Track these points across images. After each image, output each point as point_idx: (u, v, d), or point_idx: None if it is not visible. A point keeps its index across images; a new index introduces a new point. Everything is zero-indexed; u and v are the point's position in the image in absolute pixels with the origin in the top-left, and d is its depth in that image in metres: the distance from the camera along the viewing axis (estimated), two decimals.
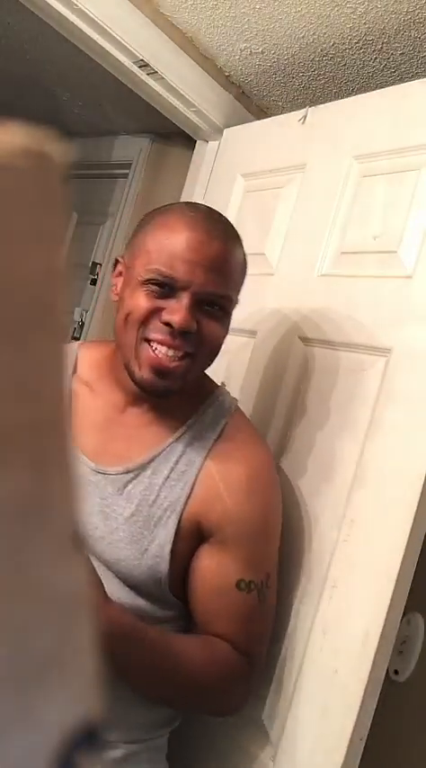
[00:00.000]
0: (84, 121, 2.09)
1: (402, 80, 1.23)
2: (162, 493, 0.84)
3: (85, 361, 0.96)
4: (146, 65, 1.31)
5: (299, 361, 1.09)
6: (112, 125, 2.06)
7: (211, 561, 0.83)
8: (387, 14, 1.08)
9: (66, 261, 0.17)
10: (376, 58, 1.21)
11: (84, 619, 0.17)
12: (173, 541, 0.82)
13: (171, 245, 0.78)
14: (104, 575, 0.82)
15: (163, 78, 1.34)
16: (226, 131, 1.47)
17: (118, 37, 1.25)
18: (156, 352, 0.79)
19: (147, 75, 1.34)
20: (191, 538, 0.84)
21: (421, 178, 0.99)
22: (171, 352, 0.79)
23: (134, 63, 1.31)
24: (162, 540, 0.82)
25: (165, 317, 0.78)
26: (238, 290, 0.86)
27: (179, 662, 0.78)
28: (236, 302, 0.86)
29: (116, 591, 0.82)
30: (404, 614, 0.88)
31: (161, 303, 0.79)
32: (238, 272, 0.84)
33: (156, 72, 1.33)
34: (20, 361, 0.15)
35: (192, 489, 0.84)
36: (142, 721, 0.87)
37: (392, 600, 0.84)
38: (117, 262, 0.90)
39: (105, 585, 0.76)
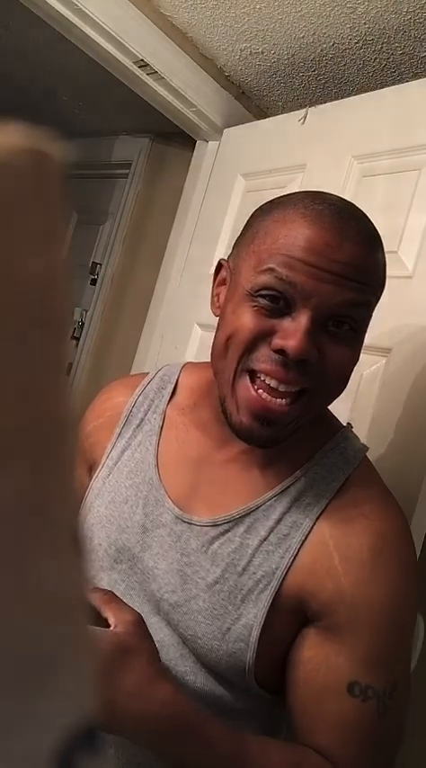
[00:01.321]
0: (84, 121, 2.09)
1: (402, 80, 1.23)
2: (255, 559, 0.65)
3: (186, 386, 0.79)
4: (146, 65, 1.31)
5: None
6: (112, 125, 2.06)
7: (318, 654, 0.63)
8: (387, 14, 1.09)
9: (66, 261, 0.17)
10: (376, 58, 1.21)
11: (83, 619, 0.17)
12: (264, 624, 0.63)
13: (289, 247, 0.60)
14: (180, 650, 0.67)
15: (163, 78, 1.34)
16: (226, 131, 1.47)
17: (118, 37, 1.25)
18: (260, 389, 0.61)
19: (147, 75, 1.34)
20: (291, 620, 0.65)
21: (421, 178, 0.99)
22: (282, 387, 0.60)
23: (134, 63, 1.31)
24: (249, 621, 0.64)
25: (278, 341, 0.59)
26: (375, 303, 0.65)
27: (264, 761, 0.58)
28: (370, 318, 0.67)
29: (190, 671, 0.67)
30: None
31: (274, 323, 0.60)
32: (376, 281, 0.64)
33: (156, 72, 1.33)
34: (20, 361, 0.15)
35: (296, 558, 0.64)
36: None
37: None
38: (220, 266, 0.72)
39: (180, 663, 0.65)
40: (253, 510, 0.67)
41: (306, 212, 0.61)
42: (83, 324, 2.10)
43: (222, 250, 1.37)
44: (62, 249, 0.17)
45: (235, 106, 1.47)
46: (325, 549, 0.64)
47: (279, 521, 0.66)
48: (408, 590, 0.65)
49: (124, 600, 0.59)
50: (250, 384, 0.62)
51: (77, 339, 2.11)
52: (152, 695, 0.52)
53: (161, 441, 0.76)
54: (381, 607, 0.63)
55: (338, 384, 0.65)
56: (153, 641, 0.57)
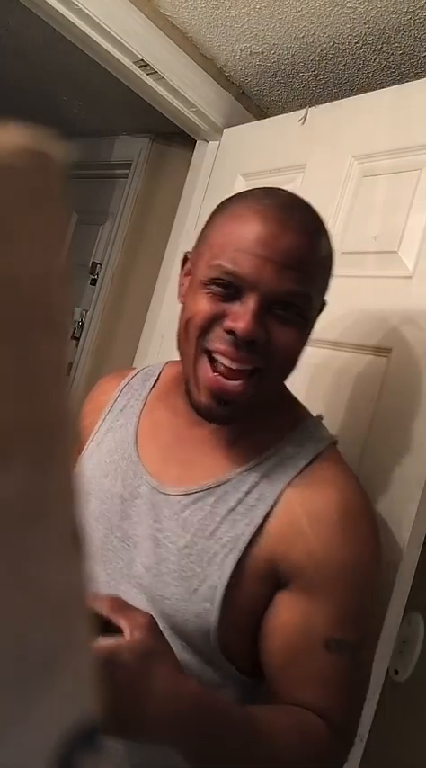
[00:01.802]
0: (84, 121, 2.09)
1: (402, 80, 1.23)
2: (222, 526, 0.70)
3: (166, 377, 0.88)
4: (146, 65, 1.31)
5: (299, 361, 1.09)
6: (112, 125, 2.06)
7: (294, 613, 0.67)
8: (387, 14, 1.09)
9: (66, 261, 0.17)
10: (376, 58, 1.21)
11: (83, 619, 0.17)
12: (228, 587, 0.67)
13: (237, 239, 0.66)
14: (157, 618, 0.68)
15: (163, 78, 1.34)
16: (226, 131, 1.47)
17: (118, 37, 1.25)
18: (216, 372, 0.67)
19: (147, 75, 1.34)
20: (261, 586, 0.68)
21: (421, 178, 0.99)
22: (234, 365, 0.66)
23: (134, 63, 1.31)
24: (214, 582, 0.68)
25: (228, 323, 0.66)
26: (321, 292, 0.72)
27: (272, 746, 0.61)
28: (319, 307, 0.73)
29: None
30: (404, 614, 0.88)
31: (225, 307, 0.67)
32: (320, 269, 0.70)
33: (156, 72, 1.33)
34: (20, 361, 0.15)
35: (263, 526, 0.69)
36: None
37: (392, 600, 0.84)
38: (185, 258, 0.78)
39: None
40: (224, 483, 0.72)
41: (253, 207, 0.67)
42: (83, 324, 2.10)
43: None
44: (62, 249, 0.17)
45: (235, 106, 1.47)
46: (293, 514, 0.69)
47: (247, 493, 0.71)
48: (375, 550, 0.71)
49: (100, 564, 0.65)
50: (209, 366, 0.68)
51: (77, 339, 2.11)
52: (183, 694, 0.54)
53: (140, 423, 0.83)
54: (351, 566, 0.68)
55: (286, 363, 0.71)
56: (165, 638, 0.58)
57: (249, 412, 0.71)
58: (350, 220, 1.09)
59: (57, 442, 0.16)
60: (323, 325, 1.08)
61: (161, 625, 0.66)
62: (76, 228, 2.20)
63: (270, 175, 1.30)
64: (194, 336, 0.69)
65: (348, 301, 1.04)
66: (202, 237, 0.74)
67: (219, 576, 0.68)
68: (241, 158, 1.41)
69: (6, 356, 0.15)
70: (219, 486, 0.72)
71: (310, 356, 1.08)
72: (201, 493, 0.72)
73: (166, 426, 0.80)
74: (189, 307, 0.70)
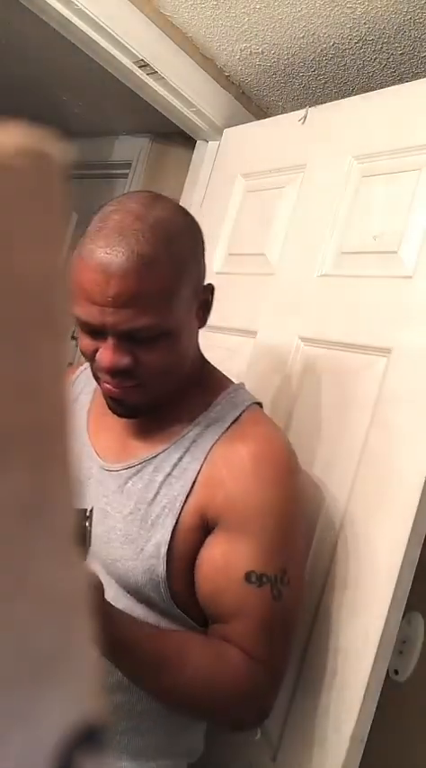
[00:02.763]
0: (84, 121, 2.09)
1: (402, 80, 1.23)
2: (161, 491, 0.80)
3: None
4: (146, 65, 1.31)
5: (299, 361, 1.09)
6: (112, 125, 2.06)
7: (216, 551, 0.76)
8: (387, 14, 1.09)
9: (66, 261, 0.17)
10: (376, 58, 1.21)
11: (83, 618, 0.17)
12: (171, 541, 0.77)
13: (79, 287, 0.73)
14: (105, 578, 0.78)
15: (163, 78, 1.34)
16: (226, 131, 1.47)
17: (118, 37, 1.25)
18: (107, 386, 0.78)
19: (147, 75, 1.34)
20: (196, 535, 0.78)
21: (421, 178, 0.99)
22: (114, 389, 0.78)
23: (134, 63, 1.31)
24: (158, 540, 0.77)
25: (97, 359, 0.76)
26: (169, 304, 0.75)
27: (180, 672, 0.72)
28: (198, 298, 0.80)
29: (118, 599, 0.79)
30: (404, 614, 0.88)
31: (97, 344, 0.76)
32: (158, 292, 0.73)
33: (156, 72, 1.33)
34: (20, 361, 0.15)
35: (194, 484, 0.78)
36: (162, 750, 0.83)
37: (392, 600, 0.84)
38: None
39: (106, 592, 0.73)
40: (159, 453, 0.82)
41: (87, 248, 0.73)
42: None
43: (222, 250, 1.37)
44: (62, 249, 0.17)
45: (235, 106, 1.47)
46: (216, 467, 0.78)
47: (180, 458, 0.81)
48: (289, 487, 0.80)
49: None
50: (103, 384, 0.79)
51: (77, 339, 2.10)
52: (101, 617, 0.65)
53: (90, 411, 0.93)
54: (267, 506, 0.76)
55: (162, 375, 0.78)
56: (98, 576, 0.70)
57: (154, 405, 0.81)
58: (350, 220, 1.09)
59: (57, 442, 0.16)
60: (324, 325, 1.08)
61: (115, 586, 0.80)
62: (76, 228, 2.20)
63: (270, 175, 1.30)
64: (89, 362, 0.80)
65: (348, 301, 1.04)
66: None
67: (162, 534, 0.77)
68: (241, 158, 1.41)
69: (6, 356, 0.15)
70: (156, 456, 0.82)
71: (310, 356, 1.08)
72: (140, 465, 0.82)
73: (110, 413, 0.86)
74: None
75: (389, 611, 0.84)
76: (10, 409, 0.15)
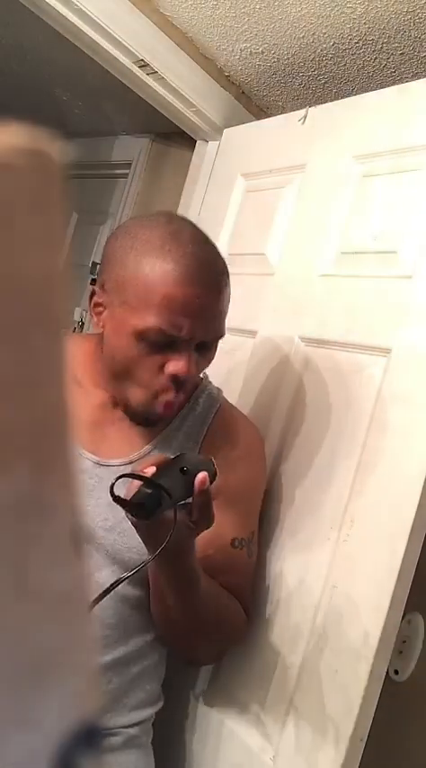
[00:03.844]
0: (84, 121, 2.09)
1: (402, 80, 1.23)
2: None
3: (74, 360, 0.98)
4: (146, 65, 1.31)
5: (299, 361, 1.09)
6: (112, 125, 2.06)
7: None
8: (387, 14, 1.09)
9: (66, 261, 0.17)
10: (376, 57, 1.21)
11: (83, 618, 0.17)
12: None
13: (167, 298, 0.77)
14: (111, 568, 0.85)
15: (163, 78, 1.34)
16: (226, 131, 1.47)
17: (118, 37, 1.25)
18: (158, 400, 0.82)
19: (147, 75, 1.34)
20: None
21: (421, 178, 0.99)
22: (174, 400, 0.83)
23: (134, 63, 1.31)
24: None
25: (172, 369, 0.80)
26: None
27: (217, 598, 0.87)
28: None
29: (125, 588, 0.84)
30: (404, 614, 0.88)
31: (159, 356, 0.80)
32: (229, 302, 0.86)
33: (156, 72, 1.33)
34: (20, 360, 0.15)
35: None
36: (136, 703, 0.91)
37: (392, 600, 0.84)
38: (93, 293, 0.88)
39: (111, 578, 0.77)
40: (157, 445, 0.89)
41: (173, 265, 0.77)
42: (83, 324, 2.10)
43: (222, 250, 1.36)
44: (62, 249, 0.17)
45: (235, 106, 1.47)
46: (214, 446, 0.90)
47: (177, 440, 0.90)
48: (262, 468, 0.99)
49: None
50: (150, 397, 0.82)
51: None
52: (189, 551, 0.77)
53: None
54: (251, 483, 0.95)
55: (196, 379, 0.90)
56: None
57: None
58: (350, 220, 1.09)
59: (57, 441, 0.16)
60: (324, 325, 1.08)
61: (118, 573, 0.84)
62: (76, 228, 2.20)
63: (270, 175, 1.30)
64: (123, 371, 0.82)
65: (348, 301, 1.04)
66: (117, 280, 0.82)
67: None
68: (241, 158, 1.41)
69: (6, 356, 0.15)
70: (155, 448, 0.89)
71: (310, 356, 1.08)
72: (142, 458, 0.87)
73: (82, 408, 0.89)
74: (115, 346, 0.82)
75: (389, 611, 0.84)
76: (10, 409, 0.15)
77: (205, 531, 0.82)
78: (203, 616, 0.85)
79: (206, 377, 1.00)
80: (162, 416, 0.85)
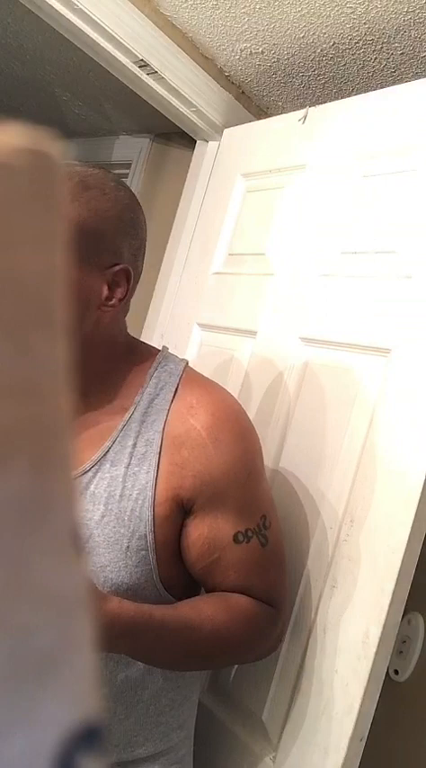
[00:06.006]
0: (84, 121, 2.09)
1: (402, 80, 1.23)
2: (127, 483, 0.77)
3: None
4: (146, 65, 1.31)
5: (299, 361, 1.09)
6: (112, 125, 2.06)
7: (203, 529, 0.78)
8: (387, 14, 1.08)
9: (65, 261, 0.17)
10: (376, 57, 1.21)
11: (84, 619, 0.17)
12: (154, 529, 0.77)
13: None
14: None
15: (163, 78, 1.34)
16: (226, 131, 1.47)
17: (118, 37, 1.25)
18: None
19: (147, 75, 1.34)
20: (174, 518, 0.78)
21: (421, 178, 0.99)
22: None
23: (134, 63, 1.31)
24: (142, 532, 0.76)
25: None
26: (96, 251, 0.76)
27: (201, 631, 0.74)
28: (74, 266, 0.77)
29: None
30: (404, 614, 0.88)
31: None
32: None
33: (156, 72, 1.33)
34: (20, 360, 0.15)
35: (159, 468, 0.77)
36: (154, 736, 0.85)
37: (392, 600, 0.84)
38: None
39: None
40: (110, 447, 0.79)
41: None
42: None
43: (222, 250, 1.37)
44: (62, 249, 0.17)
45: (235, 106, 1.47)
46: (175, 447, 0.78)
47: (134, 445, 0.78)
48: (246, 442, 0.81)
49: None
50: None
51: None
52: (102, 612, 0.65)
53: None
54: (232, 469, 0.78)
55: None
56: (92, 575, 0.72)
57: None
58: (350, 220, 1.09)
59: (57, 441, 0.16)
60: (324, 325, 1.08)
61: (106, 592, 0.77)
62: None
63: (270, 175, 1.30)
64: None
65: (348, 301, 1.04)
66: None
67: (144, 525, 0.76)
68: (241, 158, 1.41)
69: (6, 356, 0.15)
70: (108, 451, 0.79)
71: (310, 356, 1.08)
72: (96, 466, 0.79)
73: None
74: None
75: (389, 611, 0.84)
76: (10, 409, 0.15)
77: (204, 536, 0.78)
78: (195, 656, 0.77)
79: (165, 350, 0.88)
80: None
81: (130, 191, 0.82)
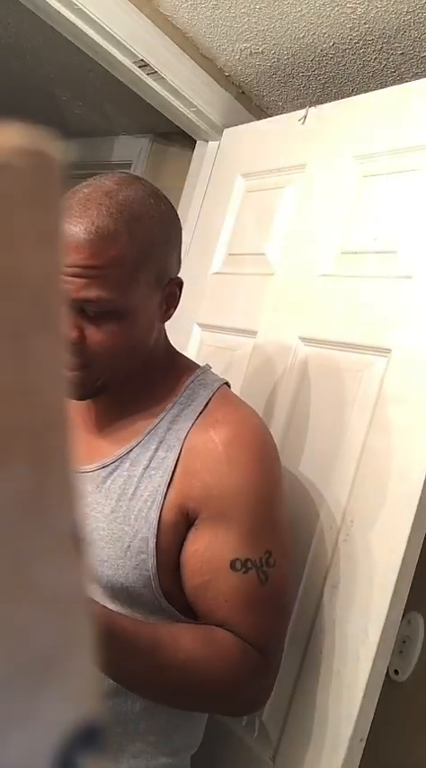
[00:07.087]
0: (84, 121, 2.09)
1: (402, 80, 1.23)
2: (141, 484, 0.78)
3: None
4: (146, 65, 1.31)
5: (299, 361, 1.09)
6: (112, 125, 2.06)
7: (200, 544, 0.76)
8: (387, 14, 1.08)
9: (65, 261, 0.17)
10: (376, 58, 1.21)
11: (83, 619, 0.17)
12: (158, 534, 0.75)
13: None
14: (93, 588, 0.78)
15: (163, 78, 1.34)
16: (226, 131, 1.47)
17: (118, 37, 1.25)
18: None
19: (147, 75, 1.34)
20: (178, 530, 0.77)
21: (420, 178, 0.99)
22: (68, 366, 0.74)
23: (134, 63, 1.31)
24: (144, 534, 0.76)
25: None
26: (123, 283, 0.73)
27: (173, 658, 0.69)
28: (163, 287, 0.79)
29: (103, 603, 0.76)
30: (404, 614, 0.88)
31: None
32: (113, 267, 0.72)
33: (156, 72, 1.33)
34: (19, 360, 0.15)
35: (173, 476, 0.77)
36: (162, 748, 0.82)
37: (392, 600, 0.84)
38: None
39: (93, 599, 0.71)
40: (134, 447, 0.80)
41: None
42: None
43: (222, 250, 1.37)
44: (61, 249, 0.17)
45: (235, 106, 1.47)
46: (191, 457, 0.77)
47: (156, 449, 0.79)
48: (265, 468, 0.79)
49: None
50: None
51: None
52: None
53: None
54: (243, 490, 0.75)
55: (110, 358, 0.76)
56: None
57: (102, 389, 0.79)
58: (350, 220, 1.09)
59: (57, 441, 0.16)
60: (324, 325, 1.08)
61: (99, 591, 0.77)
62: None
63: (270, 175, 1.30)
64: None
65: (348, 301, 1.04)
66: None
67: (148, 527, 0.75)
68: (241, 158, 1.41)
69: (6, 356, 0.15)
70: (131, 450, 0.80)
71: (310, 356, 1.08)
72: (117, 462, 0.80)
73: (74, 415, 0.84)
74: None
75: (389, 611, 0.84)
76: (10, 409, 0.15)
77: (200, 552, 0.76)
78: (162, 684, 0.72)
79: (207, 367, 0.88)
80: (73, 396, 0.76)
81: (165, 197, 0.82)
